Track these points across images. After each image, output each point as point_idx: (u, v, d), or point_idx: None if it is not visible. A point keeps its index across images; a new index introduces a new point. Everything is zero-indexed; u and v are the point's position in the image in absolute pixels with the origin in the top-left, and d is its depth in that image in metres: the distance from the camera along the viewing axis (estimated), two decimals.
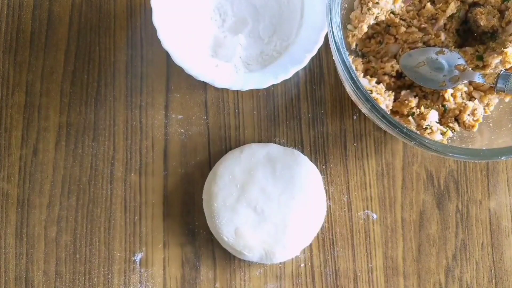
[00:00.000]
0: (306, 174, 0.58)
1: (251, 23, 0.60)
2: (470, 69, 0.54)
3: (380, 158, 0.61)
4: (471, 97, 0.56)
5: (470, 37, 0.59)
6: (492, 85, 0.53)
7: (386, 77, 0.57)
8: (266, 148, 0.59)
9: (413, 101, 0.55)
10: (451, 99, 0.55)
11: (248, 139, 0.60)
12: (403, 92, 0.57)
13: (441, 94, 0.55)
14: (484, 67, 0.55)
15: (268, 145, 0.59)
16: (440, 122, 0.55)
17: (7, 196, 0.59)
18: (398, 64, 0.56)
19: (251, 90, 0.60)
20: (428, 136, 0.53)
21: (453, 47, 0.57)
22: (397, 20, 0.57)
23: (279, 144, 0.60)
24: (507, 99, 0.56)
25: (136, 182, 0.60)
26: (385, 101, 0.54)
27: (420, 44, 0.57)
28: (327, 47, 0.51)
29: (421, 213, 0.60)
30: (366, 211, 0.60)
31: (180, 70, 0.55)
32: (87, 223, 0.59)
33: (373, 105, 0.47)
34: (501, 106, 0.57)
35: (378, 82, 0.56)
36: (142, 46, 0.61)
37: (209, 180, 0.58)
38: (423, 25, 0.57)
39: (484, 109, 0.56)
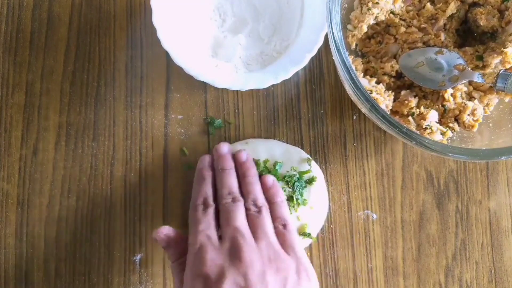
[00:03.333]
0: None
1: (251, 23, 0.60)
2: (469, 69, 0.54)
3: (380, 158, 0.61)
4: (471, 97, 0.56)
5: (470, 37, 0.59)
6: (492, 85, 0.53)
7: (386, 77, 0.57)
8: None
9: (413, 101, 0.55)
10: (451, 99, 0.55)
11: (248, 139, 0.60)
12: (403, 92, 0.57)
13: (441, 94, 0.56)
14: (484, 67, 0.55)
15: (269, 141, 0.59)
16: (440, 122, 0.56)
17: (7, 196, 0.59)
18: (398, 64, 0.56)
19: (251, 90, 0.60)
20: (428, 136, 0.53)
21: (452, 47, 0.57)
22: (397, 20, 0.57)
23: None
24: (506, 99, 0.56)
25: (136, 182, 0.60)
26: (385, 101, 0.54)
27: (420, 44, 0.57)
28: (327, 47, 0.51)
29: (421, 213, 0.60)
30: (366, 211, 0.60)
31: (180, 70, 0.55)
32: (87, 223, 0.59)
33: (373, 105, 0.47)
34: (501, 106, 0.57)
35: (378, 82, 0.56)
36: (142, 46, 0.61)
37: None
38: (423, 25, 0.57)
39: (484, 109, 0.56)
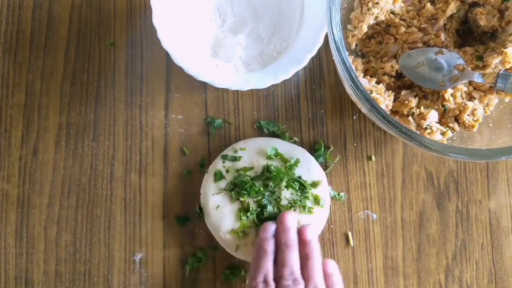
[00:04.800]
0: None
1: (251, 23, 0.60)
2: (469, 69, 0.54)
3: (380, 158, 0.61)
4: (471, 97, 0.56)
5: (470, 37, 0.59)
6: (492, 85, 0.53)
7: (386, 77, 0.57)
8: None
9: (413, 101, 0.55)
10: (451, 99, 0.55)
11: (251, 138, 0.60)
12: (403, 92, 0.57)
13: (441, 94, 0.56)
14: (484, 67, 0.55)
15: (272, 139, 0.59)
16: (440, 122, 0.55)
17: (7, 196, 0.59)
18: (398, 64, 0.56)
19: (251, 90, 0.60)
20: (428, 136, 0.53)
21: (452, 47, 0.57)
22: (397, 20, 0.57)
23: None
24: (506, 99, 0.56)
25: (136, 182, 0.60)
26: (385, 101, 0.54)
27: (420, 44, 0.57)
28: (327, 47, 0.51)
29: (421, 213, 0.60)
30: (366, 211, 0.60)
31: (180, 70, 0.55)
32: (87, 223, 0.59)
33: (373, 105, 0.47)
34: (501, 106, 0.57)
35: (378, 82, 0.56)
36: (142, 46, 0.61)
37: (205, 178, 0.58)
38: (423, 25, 0.57)
39: (484, 109, 0.56)
